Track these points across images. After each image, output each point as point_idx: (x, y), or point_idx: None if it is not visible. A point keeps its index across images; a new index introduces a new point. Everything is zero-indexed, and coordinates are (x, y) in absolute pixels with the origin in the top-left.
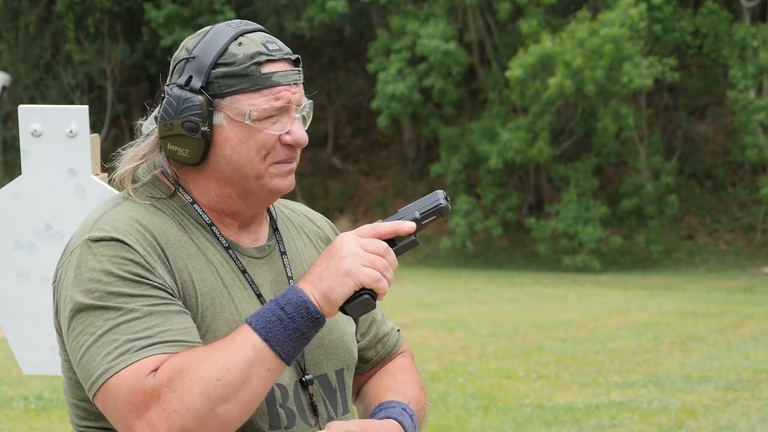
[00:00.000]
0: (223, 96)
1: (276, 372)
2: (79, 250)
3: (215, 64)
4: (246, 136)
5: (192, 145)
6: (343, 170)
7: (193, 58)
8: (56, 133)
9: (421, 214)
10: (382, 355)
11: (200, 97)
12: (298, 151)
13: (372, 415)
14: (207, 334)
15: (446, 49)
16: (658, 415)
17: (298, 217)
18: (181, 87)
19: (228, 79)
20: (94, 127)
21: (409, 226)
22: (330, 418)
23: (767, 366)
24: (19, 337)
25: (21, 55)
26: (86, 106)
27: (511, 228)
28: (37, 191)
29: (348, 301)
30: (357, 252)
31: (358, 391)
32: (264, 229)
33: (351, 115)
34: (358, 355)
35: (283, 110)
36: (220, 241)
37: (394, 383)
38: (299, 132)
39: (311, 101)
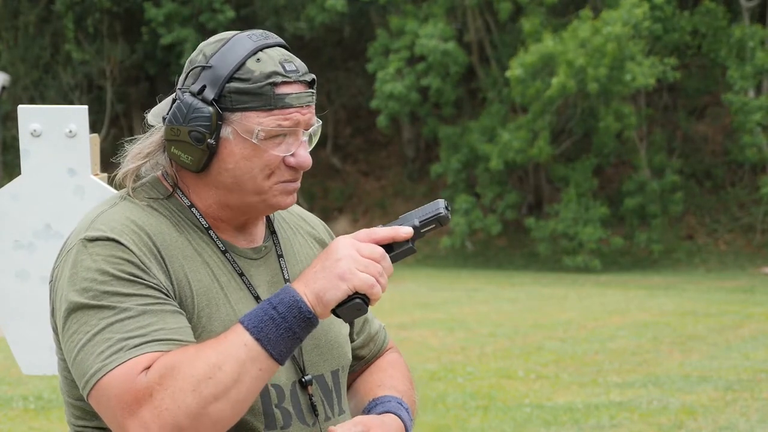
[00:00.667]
0: (233, 111)
1: (268, 371)
2: (75, 249)
3: (231, 78)
4: (251, 154)
5: (196, 153)
6: (343, 170)
7: (210, 67)
8: (56, 133)
9: (420, 222)
10: (374, 352)
11: (211, 109)
12: (301, 172)
13: (368, 410)
14: (203, 334)
15: (445, 49)
16: (657, 415)
17: (293, 217)
18: (193, 95)
19: (241, 95)
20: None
21: (406, 231)
22: (328, 418)
23: (767, 366)
24: (19, 337)
25: (20, 55)
26: (86, 106)
27: (510, 228)
28: (37, 191)
29: (340, 305)
30: (353, 256)
31: (348, 387)
32: (260, 230)
33: (350, 114)
34: (353, 353)
35: (291, 131)
36: (217, 245)
37: (384, 378)
38: (303, 155)
39: (320, 122)
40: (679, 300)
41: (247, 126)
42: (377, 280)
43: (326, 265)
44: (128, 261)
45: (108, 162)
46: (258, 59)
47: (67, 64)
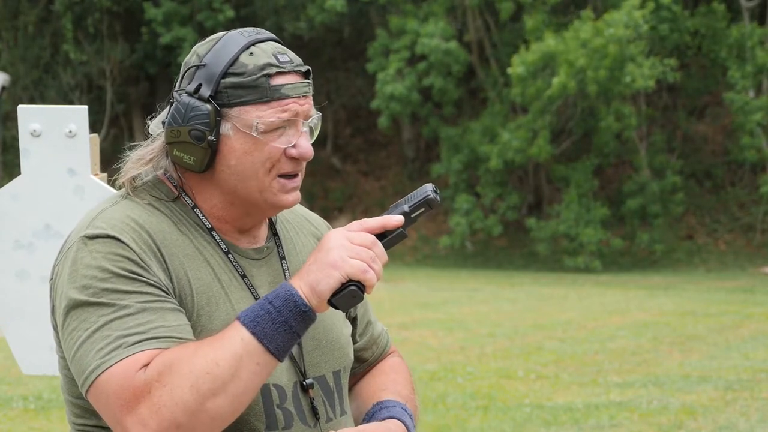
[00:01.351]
0: (231, 106)
1: (266, 367)
2: (75, 247)
3: (225, 74)
4: (252, 148)
5: (198, 152)
6: (343, 170)
7: (204, 65)
8: (55, 133)
9: (410, 207)
10: (376, 355)
11: (208, 106)
12: (304, 164)
13: (371, 414)
14: (203, 333)
15: (446, 48)
16: (657, 415)
17: (296, 218)
18: (189, 94)
19: (237, 89)
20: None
21: (396, 219)
22: (329, 420)
23: (766, 366)
24: (19, 337)
25: (20, 55)
26: (85, 106)
27: (510, 228)
28: (37, 191)
29: (336, 294)
30: (343, 244)
31: (350, 389)
32: (263, 231)
33: (350, 115)
34: (355, 355)
35: (290, 122)
36: (219, 245)
37: (388, 382)
38: (305, 146)
39: (320, 114)
40: (679, 300)
41: (246, 120)
42: (370, 266)
43: (318, 257)
44: (128, 258)
45: (108, 162)
46: (251, 53)
47: (66, 64)
